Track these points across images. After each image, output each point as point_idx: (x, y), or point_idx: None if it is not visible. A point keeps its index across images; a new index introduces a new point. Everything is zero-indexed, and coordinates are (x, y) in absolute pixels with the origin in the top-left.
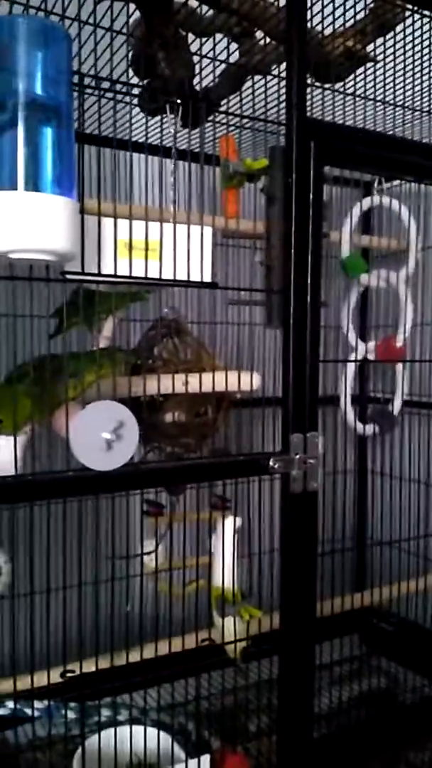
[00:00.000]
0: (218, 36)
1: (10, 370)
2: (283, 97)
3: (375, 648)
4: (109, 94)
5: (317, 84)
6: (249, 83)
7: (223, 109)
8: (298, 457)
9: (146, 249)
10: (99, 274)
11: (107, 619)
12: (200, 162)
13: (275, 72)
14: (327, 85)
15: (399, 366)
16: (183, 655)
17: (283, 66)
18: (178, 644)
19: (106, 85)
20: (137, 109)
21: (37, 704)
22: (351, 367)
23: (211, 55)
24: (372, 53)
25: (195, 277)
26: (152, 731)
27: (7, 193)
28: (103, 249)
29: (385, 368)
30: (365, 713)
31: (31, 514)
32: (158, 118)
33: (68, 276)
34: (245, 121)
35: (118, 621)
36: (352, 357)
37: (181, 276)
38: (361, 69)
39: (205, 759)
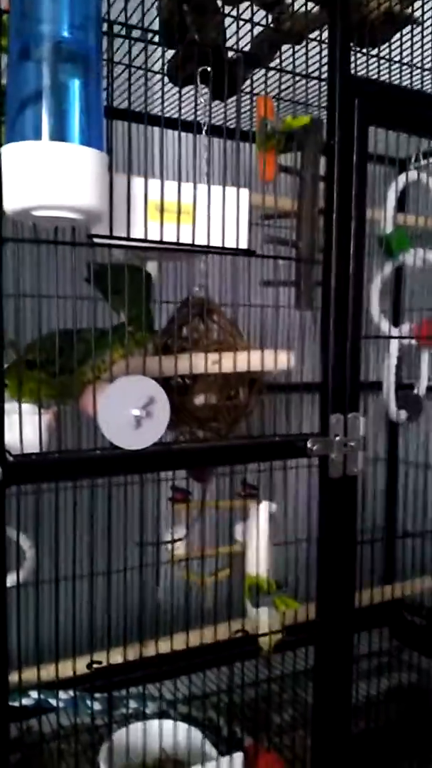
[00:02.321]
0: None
1: (31, 344)
2: (323, 69)
3: (405, 642)
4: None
5: (356, 49)
6: (285, 55)
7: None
8: (337, 439)
9: (179, 212)
10: (128, 239)
11: (129, 608)
12: (237, 127)
13: (307, 47)
14: (365, 49)
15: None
16: (210, 646)
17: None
18: (209, 635)
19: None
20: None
21: (62, 694)
22: (394, 352)
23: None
24: (414, 14)
25: (230, 243)
26: (182, 726)
27: (31, 143)
28: (132, 211)
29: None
30: (396, 709)
31: (56, 499)
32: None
33: (96, 240)
34: (283, 92)
35: (141, 609)
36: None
37: (216, 243)
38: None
39: (238, 757)
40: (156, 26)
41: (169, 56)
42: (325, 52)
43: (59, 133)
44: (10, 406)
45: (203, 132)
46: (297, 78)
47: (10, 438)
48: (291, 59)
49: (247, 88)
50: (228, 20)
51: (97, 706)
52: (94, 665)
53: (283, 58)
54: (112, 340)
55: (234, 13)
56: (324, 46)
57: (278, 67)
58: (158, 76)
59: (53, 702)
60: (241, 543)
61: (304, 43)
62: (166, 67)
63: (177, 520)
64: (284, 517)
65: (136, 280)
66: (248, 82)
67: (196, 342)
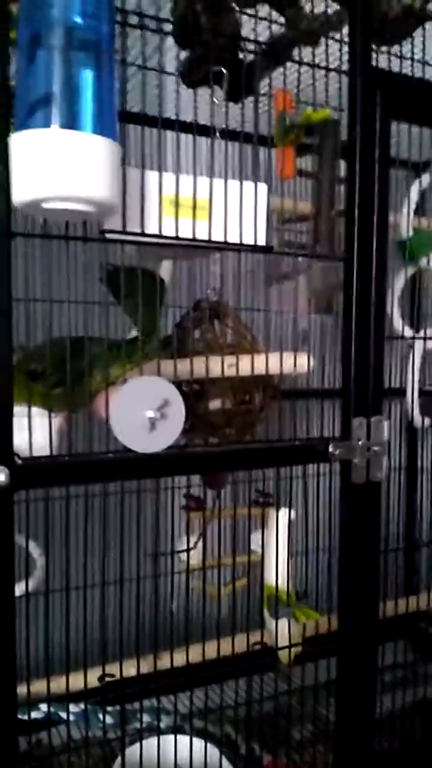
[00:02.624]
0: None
1: (34, 352)
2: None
3: (426, 655)
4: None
5: (376, 47)
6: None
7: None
8: (360, 443)
9: (194, 207)
10: (142, 234)
11: (142, 618)
12: (255, 122)
13: (327, 42)
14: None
15: None
16: (226, 659)
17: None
18: (225, 647)
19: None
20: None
21: (72, 708)
22: (418, 357)
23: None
24: None
25: (248, 240)
26: (198, 742)
27: (41, 131)
28: (146, 206)
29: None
30: (420, 724)
31: (67, 506)
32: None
33: (108, 235)
34: (302, 91)
35: (155, 620)
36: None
37: (233, 240)
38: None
39: None
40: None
41: (183, 57)
42: (344, 49)
43: (70, 122)
44: (19, 409)
45: (217, 135)
46: (316, 75)
47: (20, 441)
48: (309, 58)
49: (264, 89)
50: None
51: (109, 719)
52: (106, 678)
53: (301, 57)
54: (119, 356)
55: (249, 12)
56: (340, 44)
57: (297, 60)
58: (172, 78)
59: (63, 715)
60: (257, 553)
61: (321, 42)
62: (179, 69)
63: (191, 528)
64: (305, 525)
65: (148, 286)
66: (265, 81)
67: (210, 345)
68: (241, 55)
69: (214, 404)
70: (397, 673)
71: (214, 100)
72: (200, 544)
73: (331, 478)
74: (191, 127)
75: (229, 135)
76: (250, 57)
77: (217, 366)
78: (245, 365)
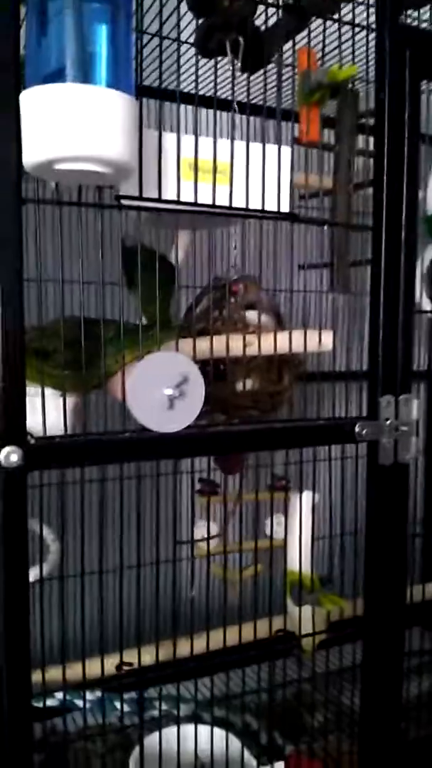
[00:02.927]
0: None
1: (44, 331)
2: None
3: None
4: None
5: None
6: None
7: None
8: (388, 423)
9: (214, 171)
10: (160, 200)
11: (157, 604)
12: (278, 84)
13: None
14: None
15: None
16: (247, 643)
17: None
18: (240, 635)
19: None
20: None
21: (88, 695)
22: None
23: None
24: None
25: (270, 207)
26: (218, 732)
27: (53, 86)
28: (164, 170)
29: None
30: None
31: (81, 489)
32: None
33: (124, 201)
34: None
35: (172, 606)
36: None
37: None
38: None
39: (279, 767)
40: None
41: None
42: (371, 10)
43: (84, 76)
44: (32, 389)
45: (235, 108)
46: (342, 36)
47: (33, 421)
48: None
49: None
50: None
51: (126, 707)
52: (124, 667)
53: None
54: (132, 342)
55: None
56: (366, 6)
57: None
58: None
59: (79, 703)
60: (275, 538)
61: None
62: (194, 37)
63: (204, 513)
64: (330, 509)
65: (162, 275)
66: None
67: (228, 324)
68: (257, 23)
69: (239, 385)
70: (423, 659)
71: (230, 70)
72: (218, 529)
73: (355, 459)
74: (210, 101)
75: (250, 107)
76: (269, 24)
77: (237, 345)
78: (266, 344)
